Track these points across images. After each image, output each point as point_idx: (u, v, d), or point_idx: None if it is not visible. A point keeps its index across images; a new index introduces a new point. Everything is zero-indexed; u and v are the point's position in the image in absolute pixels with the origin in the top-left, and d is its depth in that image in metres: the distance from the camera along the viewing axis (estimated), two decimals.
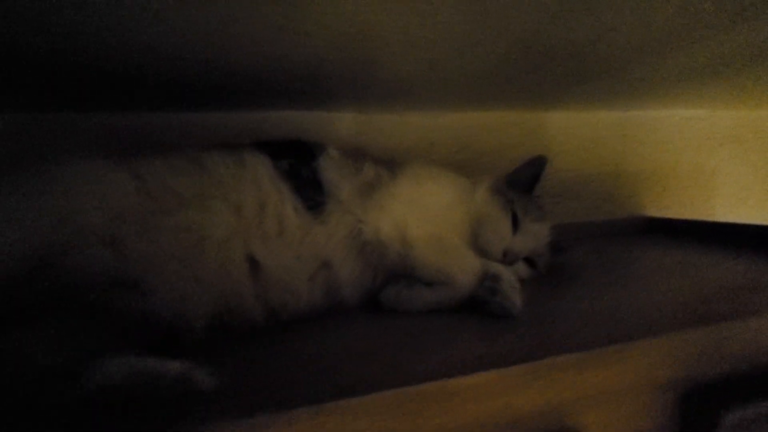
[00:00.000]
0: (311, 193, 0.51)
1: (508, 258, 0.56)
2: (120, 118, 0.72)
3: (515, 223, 0.59)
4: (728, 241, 0.78)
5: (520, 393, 0.28)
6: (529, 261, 0.61)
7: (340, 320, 0.47)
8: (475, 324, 0.42)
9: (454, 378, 0.26)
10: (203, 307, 0.42)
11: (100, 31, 0.42)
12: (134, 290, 0.39)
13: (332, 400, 0.25)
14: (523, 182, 0.67)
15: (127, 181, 0.43)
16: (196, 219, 0.43)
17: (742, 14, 0.48)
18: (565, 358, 0.29)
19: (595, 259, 0.71)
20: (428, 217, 0.54)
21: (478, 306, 0.47)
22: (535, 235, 0.60)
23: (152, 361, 0.28)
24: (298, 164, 0.53)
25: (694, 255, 0.70)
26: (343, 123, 0.84)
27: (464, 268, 0.49)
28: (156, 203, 0.43)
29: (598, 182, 1.03)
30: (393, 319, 0.45)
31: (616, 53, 0.58)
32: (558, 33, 0.50)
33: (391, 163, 0.60)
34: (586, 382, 0.30)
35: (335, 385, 0.28)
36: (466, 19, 0.45)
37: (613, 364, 0.30)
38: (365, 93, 0.71)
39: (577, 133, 1.01)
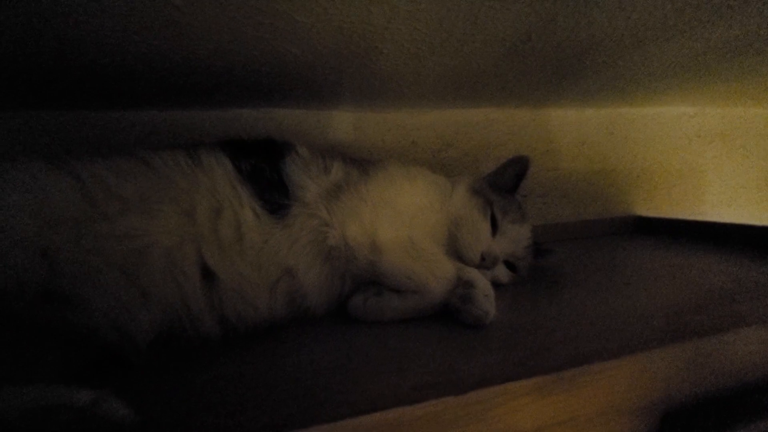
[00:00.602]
0: (274, 196, 0.48)
1: (486, 262, 0.53)
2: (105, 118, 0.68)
3: (494, 226, 0.56)
4: (717, 241, 0.76)
5: (476, 422, 0.25)
6: (510, 265, 0.58)
7: (299, 333, 0.43)
8: (441, 338, 0.39)
9: (400, 408, 0.23)
10: (149, 321, 0.39)
11: (63, 19, 0.38)
12: (69, 304, 0.36)
13: None
14: (505, 183, 0.64)
15: (66, 184, 0.40)
16: (140, 225, 0.39)
17: (725, 6, 0.46)
18: (528, 383, 0.26)
19: (580, 263, 0.68)
20: (400, 219, 0.51)
21: (451, 314, 0.44)
22: (515, 238, 0.57)
23: (54, 390, 0.24)
24: (263, 164, 0.49)
25: (682, 256, 0.68)
26: (327, 121, 0.81)
27: (437, 275, 0.46)
28: (96, 208, 0.39)
29: (586, 181, 1.01)
30: (354, 332, 0.42)
31: (598, 45, 0.56)
32: (543, 27, 0.48)
33: (364, 163, 0.57)
34: (552, 408, 0.27)
35: (262, 419, 0.24)
36: (456, 17, 0.43)
37: (582, 387, 0.27)
38: (348, 89, 0.68)
39: (564, 131, 0.99)
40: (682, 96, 0.94)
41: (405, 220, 0.51)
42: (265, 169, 0.49)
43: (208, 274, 0.42)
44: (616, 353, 0.29)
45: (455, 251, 0.54)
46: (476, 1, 0.40)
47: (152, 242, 0.40)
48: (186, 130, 0.73)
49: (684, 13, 0.47)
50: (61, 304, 0.36)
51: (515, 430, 0.26)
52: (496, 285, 0.54)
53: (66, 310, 0.36)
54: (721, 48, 0.60)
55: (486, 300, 0.43)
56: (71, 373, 0.35)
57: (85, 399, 0.23)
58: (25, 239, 0.36)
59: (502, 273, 0.57)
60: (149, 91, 0.61)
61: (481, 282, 0.45)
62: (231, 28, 0.42)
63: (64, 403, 0.23)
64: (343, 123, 0.82)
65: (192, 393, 0.31)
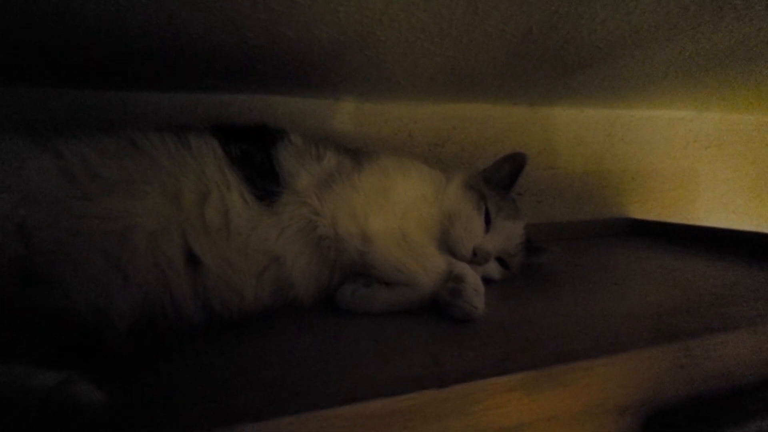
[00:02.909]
0: (264, 182, 0.47)
1: (478, 257, 0.53)
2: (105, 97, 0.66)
3: (487, 221, 0.56)
4: (709, 246, 0.76)
5: (458, 416, 0.24)
6: (502, 261, 0.58)
7: (286, 322, 0.43)
8: (428, 331, 0.39)
9: (381, 399, 0.23)
10: (130, 306, 0.38)
11: None
12: (46, 285, 0.35)
13: (230, 424, 0.21)
14: (501, 179, 0.64)
15: (45, 160, 0.38)
16: (123, 206, 0.38)
17: (727, 6, 0.45)
18: (512, 379, 0.26)
19: (573, 262, 0.68)
20: (393, 211, 0.50)
21: (440, 307, 0.43)
22: (508, 235, 0.57)
23: (19, 370, 0.23)
24: (254, 150, 0.48)
25: (673, 260, 0.68)
26: (323, 110, 0.80)
27: (427, 268, 0.46)
28: (77, 187, 0.38)
29: (581, 181, 1.01)
30: (342, 323, 0.42)
31: (599, 42, 0.55)
32: (545, 21, 0.47)
33: (358, 153, 0.56)
34: (535, 405, 0.26)
35: (239, 406, 0.23)
36: (456, 5, 0.42)
37: (567, 386, 0.27)
38: (346, 78, 0.66)
39: (562, 130, 0.98)
40: (680, 100, 0.94)
41: (397, 212, 0.50)
42: (255, 155, 0.48)
43: (192, 260, 0.41)
44: (603, 352, 0.29)
45: (447, 245, 0.53)
46: (503, 10, 0.39)
47: (135, 224, 0.38)
48: (178, 114, 0.71)
49: (688, 11, 0.46)
50: (38, 283, 0.35)
51: (499, 425, 0.26)
52: (488, 281, 0.54)
53: (43, 290, 0.35)
54: (721, 52, 0.59)
55: (475, 295, 0.42)
56: (46, 357, 0.34)
57: (50, 381, 0.22)
58: (1, 214, 0.35)
59: (493, 269, 0.57)
60: (139, 71, 0.59)
61: (472, 277, 0.44)
62: (224, 5, 0.41)
63: (25, 385, 0.22)
64: (340, 113, 0.81)
65: (172, 378, 0.30)
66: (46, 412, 0.22)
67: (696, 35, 0.53)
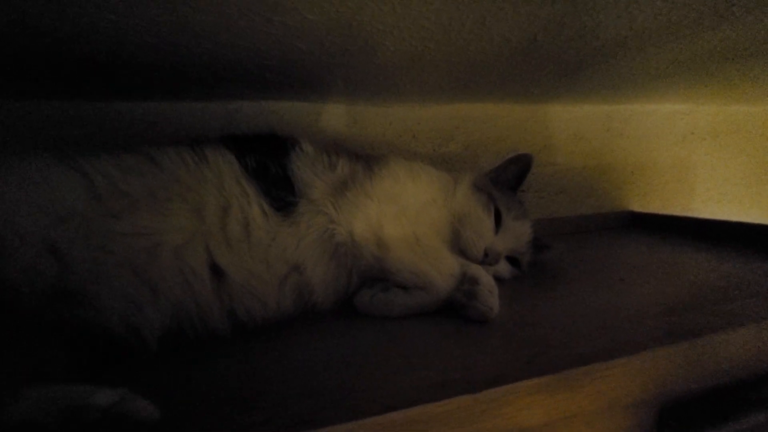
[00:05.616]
0: (280, 193, 0.48)
1: (489, 257, 0.54)
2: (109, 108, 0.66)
3: (497, 222, 0.57)
4: (708, 238, 0.78)
5: (489, 418, 0.26)
6: (512, 260, 0.60)
7: (308, 329, 0.44)
8: (447, 335, 0.40)
9: (421, 405, 0.24)
10: (159, 318, 0.39)
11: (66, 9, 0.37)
12: (79, 301, 0.36)
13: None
14: (507, 179, 0.65)
15: (73, 181, 0.39)
16: (149, 223, 0.40)
17: (727, 11, 0.47)
18: (537, 382, 0.27)
19: (577, 258, 0.70)
20: (405, 216, 0.52)
21: (455, 309, 0.45)
22: (517, 234, 0.58)
23: (79, 389, 0.25)
24: (268, 161, 0.49)
25: (674, 253, 0.70)
26: (329, 114, 0.81)
27: (442, 271, 0.47)
28: (104, 206, 0.39)
29: (582, 176, 1.02)
30: (363, 328, 0.43)
31: (602, 46, 0.56)
32: (549, 29, 0.48)
33: (369, 159, 0.57)
34: (558, 405, 0.28)
35: (287, 415, 0.25)
36: (465, 18, 0.43)
37: (586, 386, 0.29)
38: (351, 83, 0.67)
39: (562, 127, 1.00)
40: (677, 94, 0.95)
41: (410, 217, 0.52)
42: (270, 166, 0.49)
43: (217, 272, 0.43)
44: (618, 353, 0.31)
45: (459, 247, 0.55)
46: (486, 2, 0.41)
47: (162, 241, 0.40)
48: (186, 122, 0.72)
49: (687, 18, 0.47)
50: (72, 300, 0.36)
51: (525, 425, 0.28)
52: (498, 280, 0.55)
53: (77, 307, 0.36)
54: (719, 51, 0.61)
55: (490, 296, 0.44)
56: (79, 369, 0.35)
57: (110, 398, 0.24)
58: (33, 235, 0.36)
59: (504, 268, 0.59)
60: (151, 82, 0.60)
61: (485, 278, 0.46)
62: (240, 24, 0.42)
63: (90, 403, 0.24)
64: (345, 116, 0.82)
65: (203, 389, 0.31)
66: (109, 427, 0.23)
67: (695, 39, 0.54)
